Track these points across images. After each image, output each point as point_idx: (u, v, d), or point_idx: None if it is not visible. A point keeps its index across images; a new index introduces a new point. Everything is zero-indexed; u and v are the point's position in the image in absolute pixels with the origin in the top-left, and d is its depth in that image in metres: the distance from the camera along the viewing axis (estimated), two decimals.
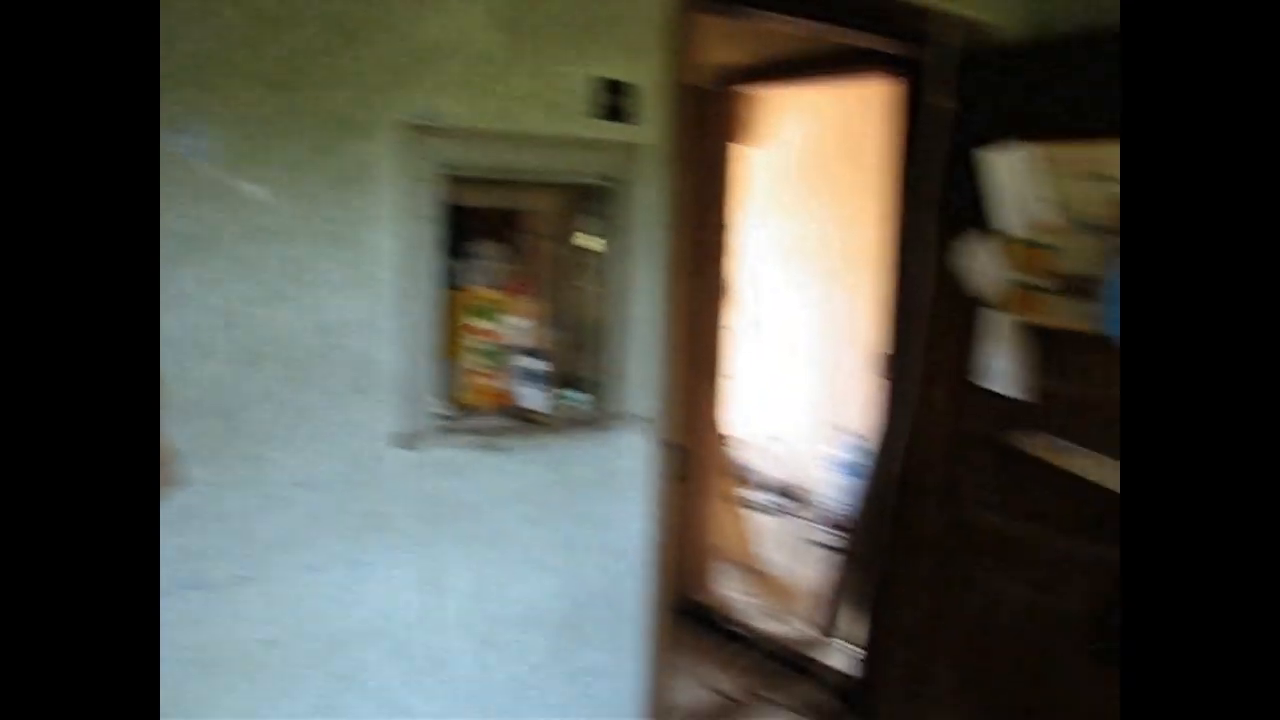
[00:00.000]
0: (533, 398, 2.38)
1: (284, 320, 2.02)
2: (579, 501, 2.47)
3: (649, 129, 2.44)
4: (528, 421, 2.34)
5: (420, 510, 2.24)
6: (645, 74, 2.42)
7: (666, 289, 2.52)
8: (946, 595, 3.20)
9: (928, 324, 3.15)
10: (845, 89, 4.67)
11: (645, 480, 2.57)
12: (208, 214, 1.92)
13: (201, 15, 1.87)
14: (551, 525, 2.44)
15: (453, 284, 2.38)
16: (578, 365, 2.57)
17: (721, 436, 4.72)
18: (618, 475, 2.53)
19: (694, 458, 4.21)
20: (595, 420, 2.45)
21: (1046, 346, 2.88)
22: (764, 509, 5.78)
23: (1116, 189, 2.67)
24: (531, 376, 2.38)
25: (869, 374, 3.44)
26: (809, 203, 5.89)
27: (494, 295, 2.41)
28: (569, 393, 2.49)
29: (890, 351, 3.37)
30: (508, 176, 2.34)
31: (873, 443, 3.62)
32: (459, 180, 2.28)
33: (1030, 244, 2.90)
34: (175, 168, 1.87)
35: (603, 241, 2.47)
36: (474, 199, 2.41)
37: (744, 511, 4.98)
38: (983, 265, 3.01)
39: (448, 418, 2.28)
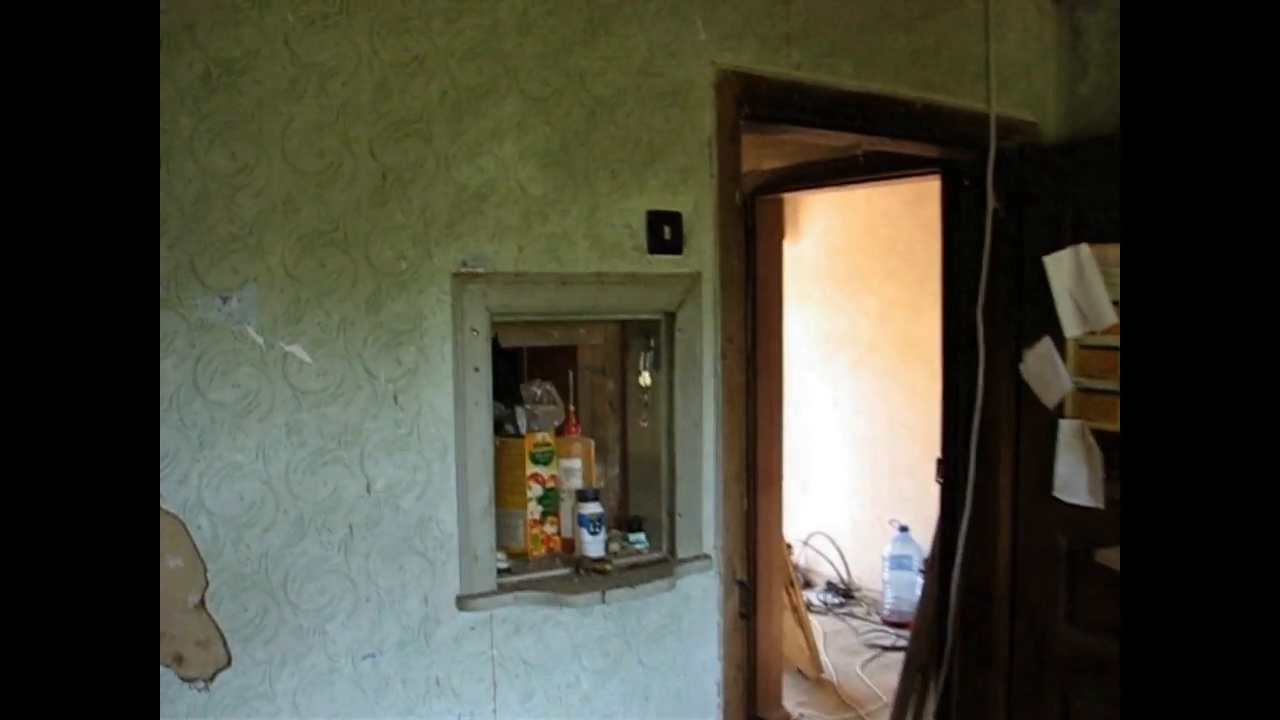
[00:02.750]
0: (594, 544, 2.27)
1: (334, 486, 1.93)
2: (647, 650, 2.34)
3: (700, 256, 2.37)
4: (590, 569, 2.23)
5: (482, 672, 2.12)
6: (695, 200, 2.35)
7: (725, 418, 2.42)
8: (1023, 711, 3.04)
9: (985, 428, 3.03)
10: (886, 186, 4.60)
11: (714, 621, 2.44)
12: (255, 382, 1.84)
13: (245, 179, 1.81)
14: (620, 677, 2.31)
15: (507, 430, 2.29)
16: (638, 506, 2.47)
17: (785, 544, 4.59)
18: (685, 619, 2.40)
19: (760, 570, 4.07)
20: (659, 562, 2.34)
21: (1116, 452, 2.75)
22: (823, 610, 5.60)
23: None
24: (591, 521, 2.28)
25: (920, 467, 3.32)
26: (853, 296, 5.81)
27: (549, 439, 2.32)
28: (631, 535, 2.38)
29: (943, 456, 3.25)
30: (558, 317, 2.26)
31: (933, 547, 3.49)
32: (509, 324, 2.21)
33: (1093, 346, 2.80)
34: (221, 336, 1.81)
35: (658, 375, 2.38)
36: (525, 340, 2.34)
37: (807, 618, 4.81)
38: (1046, 369, 2.90)
39: (508, 571, 2.18)
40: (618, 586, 2.17)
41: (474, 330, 2.05)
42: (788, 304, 5.98)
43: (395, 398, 1.99)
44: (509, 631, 2.14)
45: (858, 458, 5.77)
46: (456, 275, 2.04)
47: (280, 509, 1.88)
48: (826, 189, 4.13)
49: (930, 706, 3.69)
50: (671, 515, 2.36)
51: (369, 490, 1.97)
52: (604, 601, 2.13)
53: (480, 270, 2.06)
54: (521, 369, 2.38)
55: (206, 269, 1.79)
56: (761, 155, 4.07)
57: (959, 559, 3.12)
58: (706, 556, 2.39)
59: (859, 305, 5.72)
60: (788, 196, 5.95)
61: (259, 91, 1.82)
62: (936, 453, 3.30)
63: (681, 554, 2.36)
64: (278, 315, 1.86)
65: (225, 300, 1.81)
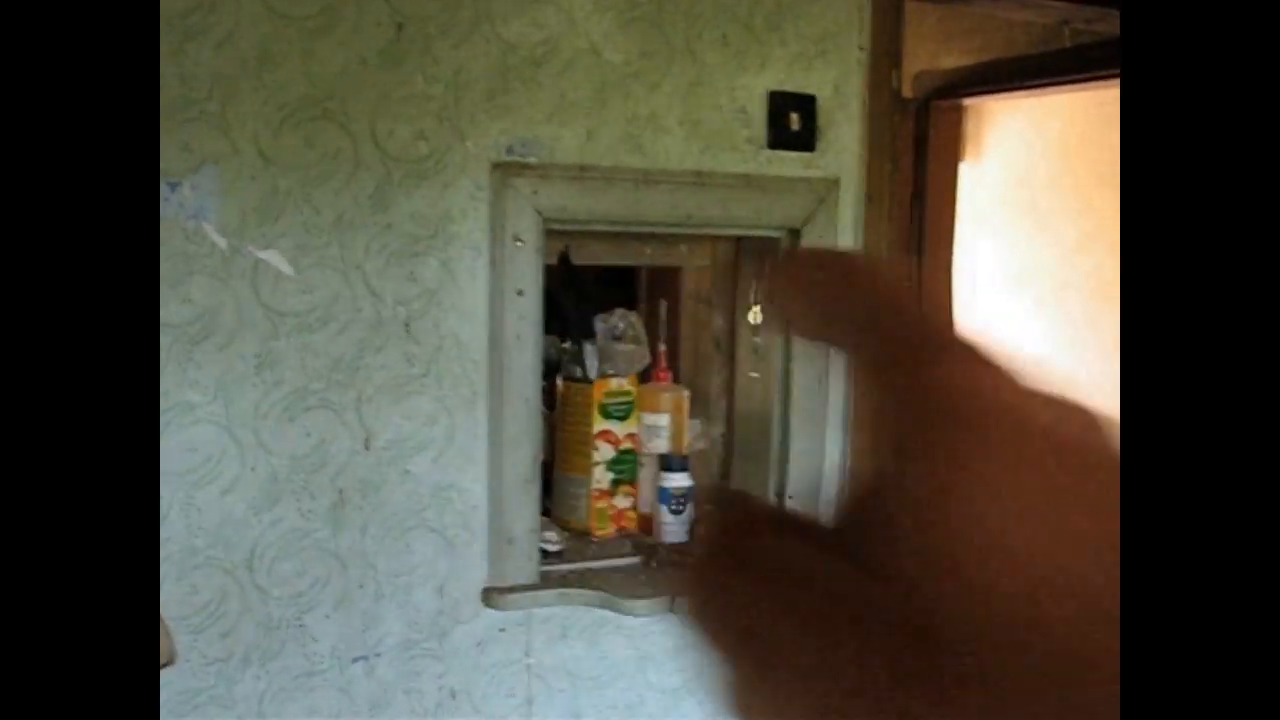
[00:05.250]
0: (675, 527, 1.75)
1: (320, 438, 1.47)
2: None
3: (840, 155, 1.78)
4: (666, 561, 1.72)
5: (514, 685, 1.65)
6: (835, 81, 1.75)
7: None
8: None
9: None
10: (1095, 91, 3.78)
11: None
12: (214, 297, 1.39)
13: (203, 24, 1.34)
14: (699, 699, 1.80)
15: (570, 374, 1.79)
16: (744, 477, 1.93)
17: None
18: None
19: None
20: None
21: None
22: None
23: None
24: (674, 498, 1.76)
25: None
26: (1041, 227, 5.01)
27: (629, 386, 1.80)
28: None
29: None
30: (640, 228, 1.72)
31: None
32: (573, 235, 1.69)
33: None
34: (168, 234, 1.35)
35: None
36: (596, 258, 1.82)
37: None
38: None
39: (557, 557, 1.69)
40: None
41: (518, 240, 1.53)
42: (963, 233, 5.26)
43: (407, 326, 1.50)
44: (552, 636, 1.66)
45: None
46: (498, 166, 1.52)
47: (246, 465, 1.43)
48: (1020, 93, 3.36)
49: None
50: (781, 497, 1.81)
51: (367, 446, 1.50)
52: (673, 610, 1.61)
53: (531, 160, 1.54)
54: (594, 298, 1.86)
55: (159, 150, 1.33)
56: (939, 50, 3.36)
57: None
58: None
59: (1048, 238, 4.93)
60: (971, 105, 5.17)
61: None
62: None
63: None
64: (247, 210, 1.39)
65: (174, 187, 1.35)
